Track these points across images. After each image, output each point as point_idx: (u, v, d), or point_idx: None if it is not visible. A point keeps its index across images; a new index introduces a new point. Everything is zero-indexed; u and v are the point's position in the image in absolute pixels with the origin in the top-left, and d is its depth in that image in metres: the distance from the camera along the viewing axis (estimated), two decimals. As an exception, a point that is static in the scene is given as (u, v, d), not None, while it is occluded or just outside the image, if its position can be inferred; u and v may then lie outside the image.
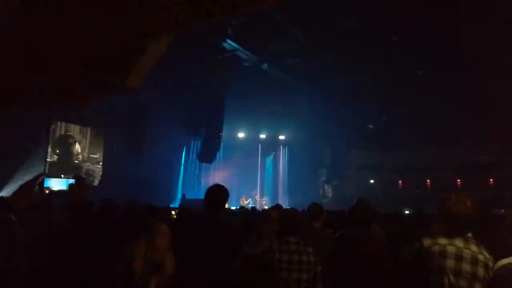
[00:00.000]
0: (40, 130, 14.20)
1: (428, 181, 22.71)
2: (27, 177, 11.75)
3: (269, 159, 24.87)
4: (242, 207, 12.68)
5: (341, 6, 10.02)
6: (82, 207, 2.95)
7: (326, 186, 25.33)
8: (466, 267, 2.45)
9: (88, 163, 16.18)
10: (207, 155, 18.41)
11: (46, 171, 13.86)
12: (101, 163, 16.55)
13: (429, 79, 14.01)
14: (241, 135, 22.44)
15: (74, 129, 15.84)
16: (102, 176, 16.37)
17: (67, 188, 2.91)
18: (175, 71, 13.59)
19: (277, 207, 6.65)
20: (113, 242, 2.81)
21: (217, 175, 20.29)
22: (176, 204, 17.18)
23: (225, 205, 3.55)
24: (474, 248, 2.51)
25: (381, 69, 13.53)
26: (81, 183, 2.92)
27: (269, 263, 2.18)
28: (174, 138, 18.98)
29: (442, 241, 2.55)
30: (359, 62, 13.02)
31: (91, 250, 2.69)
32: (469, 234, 2.61)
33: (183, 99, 17.24)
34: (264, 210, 11.78)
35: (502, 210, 5.88)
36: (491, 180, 20.69)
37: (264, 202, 22.05)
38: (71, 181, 2.74)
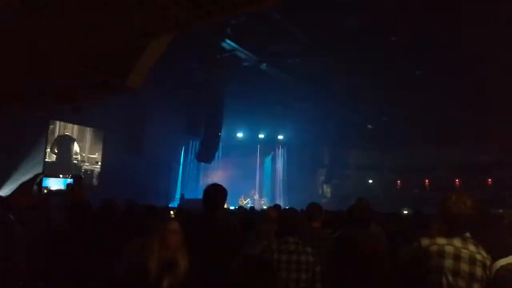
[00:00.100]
0: (39, 130, 14.19)
1: (427, 181, 22.72)
2: (26, 176, 11.74)
3: (268, 159, 24.88)
4: (241, 207, 12.70)
5: (341, 6, 10.02)
6: (80, 207, 2.94)
7: (325, 186, 25.34)
8: (464, 267, 2.46)
9: (86, 163, 16.17)
10: (206, 155, 18.40)
11: (45, 171, 13.83)
12: (99, 163, 16.54)
13: (429, 79, 14.02)
14: (240, 135, 22.45)
15: (73, 129, 15.82)
16: (100, 176, 16.36)
17: (65, 188, 2.90)
18: (174, 70, 13.58)
19: (276, 207, 6.66)
20: (112, 242, 2.81)
21: (216, 175, 20.28)
22: (175, 204, 17.19)
23: (223, 205, 3.54)
24: (472, 248, 2.52)
25: (380, 69, 13.53)
26: (79, 183, 2.92)
27: (268, 263, 2.18)
28: (173, 138, 18.99)
29: (441, 241, 2.56)
30: (358, 62, 13.02)
31: (90, 250, 2.69)
32: (467, 234, 2.62)
33: (182, 99, 17.23)
34: (263, 210, 11.80)
35: (501, 210, 5.89)
36: (490, 180, 20.71)
37: (263, 202, 22.06)
38: (69, 181, 2.73)
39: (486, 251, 2.54)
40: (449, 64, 12.73)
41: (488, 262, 2.50)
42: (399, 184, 23.95)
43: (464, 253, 2.49)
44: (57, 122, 15.18)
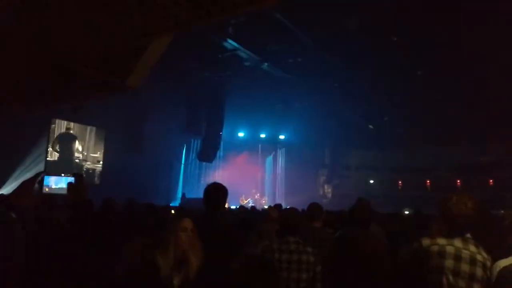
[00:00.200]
0: (40, 128, 14.20)
1: (428, 181, 22.72)
2: (27, 175, 11.77)
3: (269, 159, 24.89)
4: (241, 207, 12.70)
5: (342, 6, 10.02)
6: (82, 206, 2.94)
7: (326, 186, 25.34)
8: (465, 267, 2.46)
9: (88, 162, 16.19)
10: (207, 154, 18.42)
11: (46, 169, 13.85)
12: (101, 162, 16.55)
13: (429, 79, 14.01)
14: (241, 134, 22.45)
15: (75, 128, 15.84)
16: (102, 174, 16.38)
17: (67, 187, 2.89)
18: (175, 70, 13.59)
19: (277, 207, 6.65)
20: (113, 242, 2.81)
21: (217, 174, 20.30)
22: (176, 203, 17.19)
23: (224, 204, 3.53)
24: (472, 248, 2.52)
25: (381, 69, 13.52)
26: (80, 181, 2.91)
27: (269, 263, 2.18)
28: (174, 137, 19.00)
29: (441, 241, 2.56)
30: (359, 62, 13.02)
31: (91, 249, 2.69)
32: (468, 235, 2.63)
33: (183, 98, 17.25)
34: (264, 209, 11.80)
35: (502, 211, 5.89)
36: (491, 180, 20.70)
37: (263, 201, 22.06)
38: (71, 179, 2.72)
39: (487, 252, 2.54)
40: (450, 64, 12.72)
41: (488, 263, 2.50)
42: (399, 184, 23.95)
43: (465, 253, 2.49)
44: (59, 121, 15.19)
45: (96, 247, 2.73)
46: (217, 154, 19.59)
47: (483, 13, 9.61)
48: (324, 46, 12.08)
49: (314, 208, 4.27)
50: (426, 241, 2.60)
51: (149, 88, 12.27)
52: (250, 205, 17.18)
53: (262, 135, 22.99)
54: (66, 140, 15.50)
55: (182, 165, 20.88)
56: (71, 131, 15.73)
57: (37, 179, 2.23)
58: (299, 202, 14.01)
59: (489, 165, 20.32)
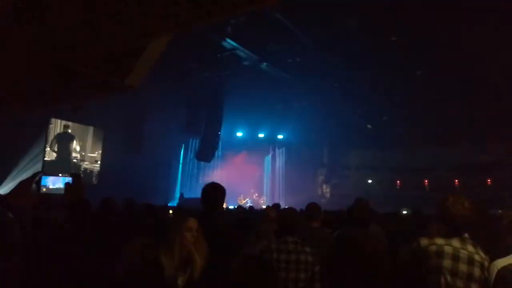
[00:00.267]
0: (38, 128, 14.17)
1: (427, 181, 22.75)
2: (25, 175, 11.75)
3: (267, 158, 24.89)
4: (240, 206, 12.70)
5: (341, 6, 10.03)
6: (80, 206, 2.94)
7: (324, 186, 25.35)
8: (463, 267, 2.47)
9: (86, 162, 16.16)
10: (206, 154, 18.41)
11: (44, 169, 13.82)
12: (99, 162, 16.53)
13: (428, 79, 14.03)
14: (239, 134, 22.45)
15: (72, 128, 15.80)
16: (100, 175, 16.35)
17: (64, 187, 2.88)
18: (174, 69, 13.58)
19: (275, 207, 6.66)
20: (112, 242, 2.80)
21: (215, 174, 20.30)
22: (174, 203, 17.18)
23: (222, 204, 3.52)
24: (470, 248, 2.53)
25: (380, 69, 13.54)
26: (78, 181, 2.90)
27: (268, 263, 2.18)
28: (173, 136, 18.99)
29: (439, 241, 2.58)
30: (358, 62, 13.03)
31: (90, 249, 2.69)
32: (466, 235, 2.64)
33: (182, 98, 17.24)
34: (262, 209, 11.80)
35: (500, 211, 5.90)
36: (490, 180, 20.74)
37: (262, 201, 22.07)
38: (69, 179, 2.71)
39: (485, 252, 2.56)
40: (449, 64, 12.75)
41: (486, 263, 2.51)
42: (398, 184, 23.97)
43: (463, 253, 2.51)
44: (57, 121, 15.16)
45: (94, 247, 2.72)
46: (216, 154, 19.59)
47: (483, 13, 9.62)
48: (323, 46, 12.08)
49: (312, 208, 4.27)
50: (424, 241, 2.61)
51: (148, 88, 12.25)
52: (248, 205, 17.20)
53: (261, 135, 22.99)
54: (64, 140, 15.47)
55: (181, 165, 20.87)
56: (69, 131, 15.70)
57: (35, 179, 2.23)
58: (298, 202, 14.03)
59: (488, 165, 20.36)
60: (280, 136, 23.61)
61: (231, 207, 15.20)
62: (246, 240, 3.92)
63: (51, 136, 15.00)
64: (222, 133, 18.51)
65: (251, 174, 23.04)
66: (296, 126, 21.40)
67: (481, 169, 20.59)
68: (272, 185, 24.50)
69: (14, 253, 1.75)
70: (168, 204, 14.40)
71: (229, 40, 11.94)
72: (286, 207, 5.15)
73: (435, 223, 3.26)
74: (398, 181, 23.97)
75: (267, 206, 8.20)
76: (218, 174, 20.42)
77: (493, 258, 2.56)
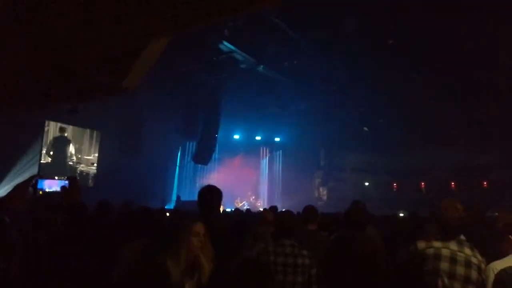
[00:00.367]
0: (34, 131, 14.12)
1: (423, 183, 22.81)
2: (21, 177, 11.70)
3: (264, 161, 24.89)
4: (237, 209, 12.69)
5: (338, 8, 10.05)
6: (76, 209, 2.92)
7: (321, 189, 25.38)
8: (460, 270, 2.48)
9: (82, 165, 16.11)
10: (203, 157, 18.40)
11: (40, 172, 13.76)
12: (95, 165, 16.47)
13: (426, 81, 14.07)
14: (236, 136, 22.44)
15: (69, 130, 15.75)
16: (96, 177, 16.30)
17: (61, 190, 2.87)
18: (171, 72, 13.57)
19: (272, 209, 6.65)
20: (108, 245, 2.79)
21: (212, 177, 20.28)
22: (171, 205, 17.15)
23: (219, 207, 3.50)
24: (467, 251, 2.54)
25: (377, 72, 13.57)
26: (74, 184, 2.89)
27: (265, 266, 2.18)
28: (170, 139, 18.95)
29: (437, 244, 2.59)
30: (355, 65, 13.06)
31: (85, 252, 2.67)
32: (462, 237, 2.65)
33: (179, 101, 17.22)
34: (259, 212, 11.80)
35: (497, 213, 5.92)
36: (486, 182, 20.82)
37: (259, 204, 22.06)
38: (65, 182, 2.69)
39: (481, 254, 2.57)
40: (446, 66, 12.78)
41: (483, 265, 2.53)
42: (395, 186, 24.03)
43: (460, 256, 2.52)
44: (53, 123, 15.11)
45: (90, 249, 2.71)
46: (213, 157, 19.56)
47: (483, 14, 9.63)
48: (320, 49, 12.11)
49: (309, 211, 4.27)
50: (421, 244, 2.62)
51: (145, 90, 12.25)
52: (245, 207, 17.20)
53: (258, 138, 22.99)
54: (60, 143, 15.42)
55: (177, 168, 20.83)
56: (65, 134, 15.65)
57: (31, 182, 2.22)
58: (295, 204, 14.05)
59: (484, 168, 20.45)
60: (277, 139, 23.63)
61: (228, 209, 15.18)
62: (243, 243, 3.91)
63: (47, 139, 14.95)
64: (219, 135, 18.50)
65: (248, 176, 23.03)
66: (293, 129, 21.42)
67: (477, 172, 20.67)
68: (269, 187, 24.49)
69: (10, 255, 1.75)
70: (165, 207, 14.37)
71: (226, 43, 11.95)
72: (283, 210, 5.15)
73: (431, 226, 3.28)
74: (394, 184, 24.03)
75: (264, 209, 8.19)
76: (215, 176, 20.39)
77: (490, 260, 2.57)
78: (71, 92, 1.82)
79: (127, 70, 1.59)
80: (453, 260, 2.50)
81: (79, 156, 16.05)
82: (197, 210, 3.35)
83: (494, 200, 17.37)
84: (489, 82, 13.05)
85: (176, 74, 14.28)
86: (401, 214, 11.02)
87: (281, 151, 24.64)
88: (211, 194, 3.30)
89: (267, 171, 24.78)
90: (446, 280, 2.47)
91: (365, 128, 20.40)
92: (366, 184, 24.65)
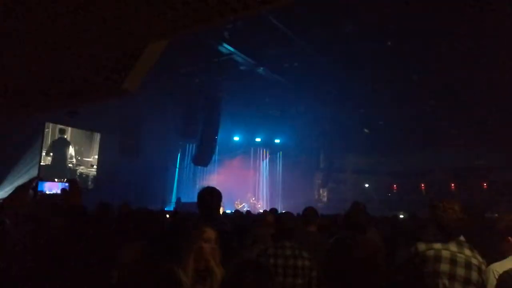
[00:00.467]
0: (34, 133, 14.11)
1: (423, 185, 22.81)
2: (20, 180, 11.68)
3: (264, 163, 24.87)
4: (237, 211, 12.68)
5: (338, 10, 10.07)
6: (76, 211, 2.92)
7: (321, 190, 25.37)
8: (460, 271, 2.48)
9: (82, 167, 16.09)
10: (203, 158, 18.36)
11: (40, 174, 13.75)
12: (95, 167, 16.46)
13: (425, 82, 14.07)
14: (236, 138, 22.43)
15: (68, 132, 15.75)
16: (96, 179, 16.29)
17: (61, 192, 2.86)
18: (171, 74, 13.58)
19: (272, 211, 6.65)
20: (108, 247, 2.79)
21: (212, 179, 20.26)
22: (171, 207, 17.13)
23: (218, 208, 3.50)
24: (467, 252, 2.54)
25: (377, 74, 13.59)
26: (74, 187, 2.89)
27: (265, 268, 2.17)
28: (170, 141, 18.95)
29: (437, 246, 2.59)
30: (355, 67, 13.08)
31: (85, 255, 2.67)
32: (462, 238, 2.66)
33: (179, 102, 17.23)
34: (259, 214, 11.79)
35: (496, 215, 5.93)
36: (486, 184, 20.82)
37: (259, 206, 22.04)
38: (65, 185, 2.69)
39: (482, 256, 2.57)
40: (446, 66, 12.79)
41: (483, 267, 2.53)
42: (395, 188, 24.03)
43: (460, 257, 2.52)
44: (53, 125, 15.11)
45: (90, 252, 2.71)
46: (213, 158, 19.55)
47: (482, 14, 9.62)
48: (320, 51, 12.13)
49: (309, 212, 4.27)
50: (421, 246, 2.62)
51: (145, 92, 12.24)
52: (245, 209, 17.16)
53: (258, 139, 22.98)
54: (60, 145, 15.41)
55: (177, 169, 20.82)
56: (65, 136, 15.65)
57: (31, 184, 2.22)
58: (295, 206, 14.05)
59: (484, 169, 20.45)
60: (277, 141, 23.61)
61: (228, 211, 15.16)
62: (243, 245, 3.91)
63: (46, 141, 14.94)
64: (219, 137, 18.48)
65: (248, 178, 23.02)
66: (293, 131, 21.41)
67: (477, 173, 20.67)
68: (269, 189, 24.47)
69: (10, 258, 1.75)
70: (165, 209, 14.36)
71: (226, 45, 11.97)
72: (283, 211, 5.15)
73: (430, 228, 3.29)
74: (394, 185, 24.04)
75: (265, 210, 8.18)
76: (215, 178, 20.38)
77: (490, 261, 2.57)
78: (70, 93, 1.82)
79: (125, 73, 1.60)
80: (453, 261, 2.50)
81: (79, 158, 16.04)
82: (197, 212, 3.34)
83: (494, 201, 17.38)
84: (489, 82, 13.05)
85: (176, 75, 14.30)
86: (401, 216, 11.03)
87: (281, 152, 24.61)
88: (211, 196, 3.30)
89: (267, 173, 24.76)
90: (446, 281, 2.47)
91: (365, 130, 20.41)
92: (366, 185, 24.66)
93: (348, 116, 18.72)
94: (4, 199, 2.20)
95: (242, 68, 13.81)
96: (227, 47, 12.08)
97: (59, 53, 1.54)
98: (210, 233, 2.52)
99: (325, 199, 24.91)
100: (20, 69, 1.68)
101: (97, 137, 16.54)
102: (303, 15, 10.12)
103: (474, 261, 2.51)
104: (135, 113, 16.22)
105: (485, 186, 20.76)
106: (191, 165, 20.51)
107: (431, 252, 2.56)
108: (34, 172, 13.55)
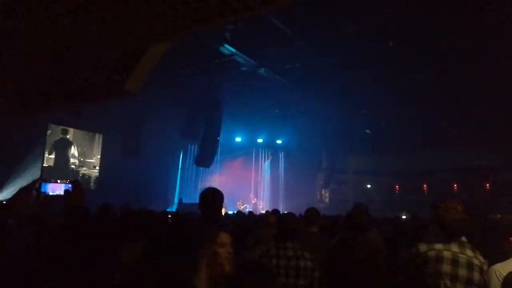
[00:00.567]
0: (37, 134, 14.15)
1: (425, 185, 22.77)
2: (23, 181, 11.71)
3: (266, 164, 24.86)
4: (239, 212, 12.68)
5: (339, 11, 10.06)
6: (78, 213, 2.93)
7: (323, 191, 25.34)
8: (462, 271, 2.47)
9: (84, 168, 16.13)
10: (205, 159, 18.37)
11: (42, 176, 13.78)
12: (97, 168, 16.49)
13: (427, 82, 14.05)
14: (238, 139, 22.43)
15: (71, 133, 15.78)
16: (98, 180, 16.32)
17: (63, 194, 2.86)
18: (173, 75, 13.60)
19: (274, 212, 6.64)
20: (110, 248, 2.79)
21: (214, 180, 20.26)
22: (173, 208, 17.14)
23: (220, 209, 3.48)
24: (469, 253, 2.54)
25: (379, 74, 13.58)
26: (77, 188, 2.89)
27: (267, 269, 2.16)
28: (171, 142, 18.97)
29: (438, 246, 2.58)
30: (357, 67, 13.07)
31: (87, 255, 2.67)
32: (464, 239, 2.65)
33: (180, 103, 17.25)
34: (261, 214, 11.79)
35: (499, 215, 5.91)
36: (489, 184, 20.76)
37: (261, 206, 22.03)
38: (68, 186, 2.70)
39: (483, 256, 2.56)
40: (447, 69, 12.78)
41: (485, 267, 2.52)
42: (397, 188, 23.99)
43: (462, 258, 2.51)
44: (55, 126, 15.14)
45: (92, 253, 2.71)
46: (214, 159, 19.55)
47: (482, 15, 9.61)
48: (321, 51, 12.12)
49: (311, 213, 4.26)
50: (423, 247, 2.62)
51: (147, 93, 12.26)
52: (247, 210, 17.16)
53: (260, 140, 22.96)
54: (62, 146, 15.44)
55: (179, 170, 20.84)
56: (68, 137, 15.68)
57: (35, 186, 2.23)
58: (297, 207, 14.02)
59: (486, 169, 20.39)
60: (279, 141, 23.59)
61: (230, 212, 15.16)
62: (245, 245, 3.91)
63: (49, 142, 14.97)
64: (221, 138, 18.49)
65: (250, 179, 23.01)
66: (294, 131, 21.40)
67: (479, 173, 20.62)
68: (271, 190, 24.45)
69: (13, 258, 1.75)
70: (167, 210, 14.37)
71: (227, 46, 11.97)
72: (285, 212, 5.15)
73: (433, 228, 3.28)
74: (396, 186, 24.00)
75: (267, 211, 8.18)
76: (217, 179, 20.38)
77: (492, 262, 2.57)
78: (71, 93, 1.83)
79: (127, 74, 1.60)
80: (455, 262, 2.49)
81: (82, 159, 16.07)
82: (198, 213, 3.34)
83: (496, 202, 17.33)
84: (489, 82, 13.03)
85: (178, 76, 14.31)
86: (404, 216, 11.00)
87: (283, 153, 24.60)
88: (213, 197, 3.29)
89: (269, 174, 24.74)
90: (448, 282, 2.47)
91: (367, 131, 20.38)
92: (368, 186, 24.62)
93: (350, 117, 18.69)
94: (8, 200, 2.21)
95: (243, 69, 13.82)
96: (228, 48, 12.09)
97: (59, 53, 1.54)
98: (225, 238, 2.43)
99: (327, 199, 24.87)
100: (20, 69, 1.68)
101: (99, 138, 16.57)
102: (304, 15, 10.11)
103: (476, 261, 2.51)
104: (136, 114, 16.25)
105: (487, 187, 20.71)
106: (193, 166, 20.52)
107: (432, 253, 2.56)
108: (36, 174, 13.58)
